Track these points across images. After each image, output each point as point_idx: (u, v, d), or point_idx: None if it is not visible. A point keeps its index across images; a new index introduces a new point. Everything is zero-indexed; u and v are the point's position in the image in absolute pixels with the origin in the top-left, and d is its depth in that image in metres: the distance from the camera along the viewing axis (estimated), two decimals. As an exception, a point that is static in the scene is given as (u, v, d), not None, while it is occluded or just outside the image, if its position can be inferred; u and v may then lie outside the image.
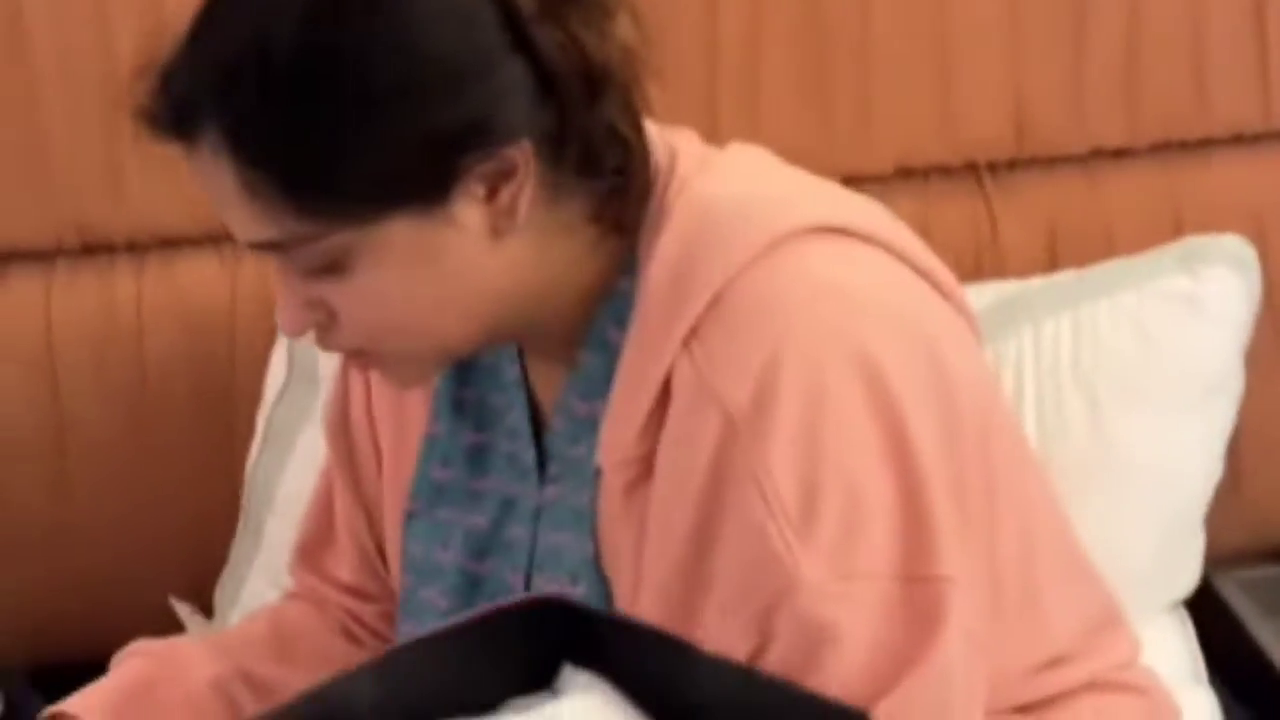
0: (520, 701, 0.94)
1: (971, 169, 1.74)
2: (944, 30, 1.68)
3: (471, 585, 1.17)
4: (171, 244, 1.71)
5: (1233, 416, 1.59)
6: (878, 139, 1.71)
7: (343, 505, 1.29)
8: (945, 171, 1.73)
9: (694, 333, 1.00)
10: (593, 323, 1.09)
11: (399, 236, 1.00)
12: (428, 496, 1.19)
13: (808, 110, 1.69)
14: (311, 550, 1.33)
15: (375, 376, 1.22)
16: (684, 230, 1.03)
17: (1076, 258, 1.70)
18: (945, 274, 1.10)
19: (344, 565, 1.31)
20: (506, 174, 1.01)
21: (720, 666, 0.95)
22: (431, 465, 1.20)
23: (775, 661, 0.97)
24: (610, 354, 1.07)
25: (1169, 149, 1.75)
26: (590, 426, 1.08)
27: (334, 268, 1.01)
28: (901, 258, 1.07)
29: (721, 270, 1.00)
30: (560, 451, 1.12)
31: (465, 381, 1.19)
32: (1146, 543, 1.53)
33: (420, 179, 0.99)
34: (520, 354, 1.17)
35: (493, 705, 0.95)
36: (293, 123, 0.97)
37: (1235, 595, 1.71)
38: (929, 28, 1.68)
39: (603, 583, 1.06)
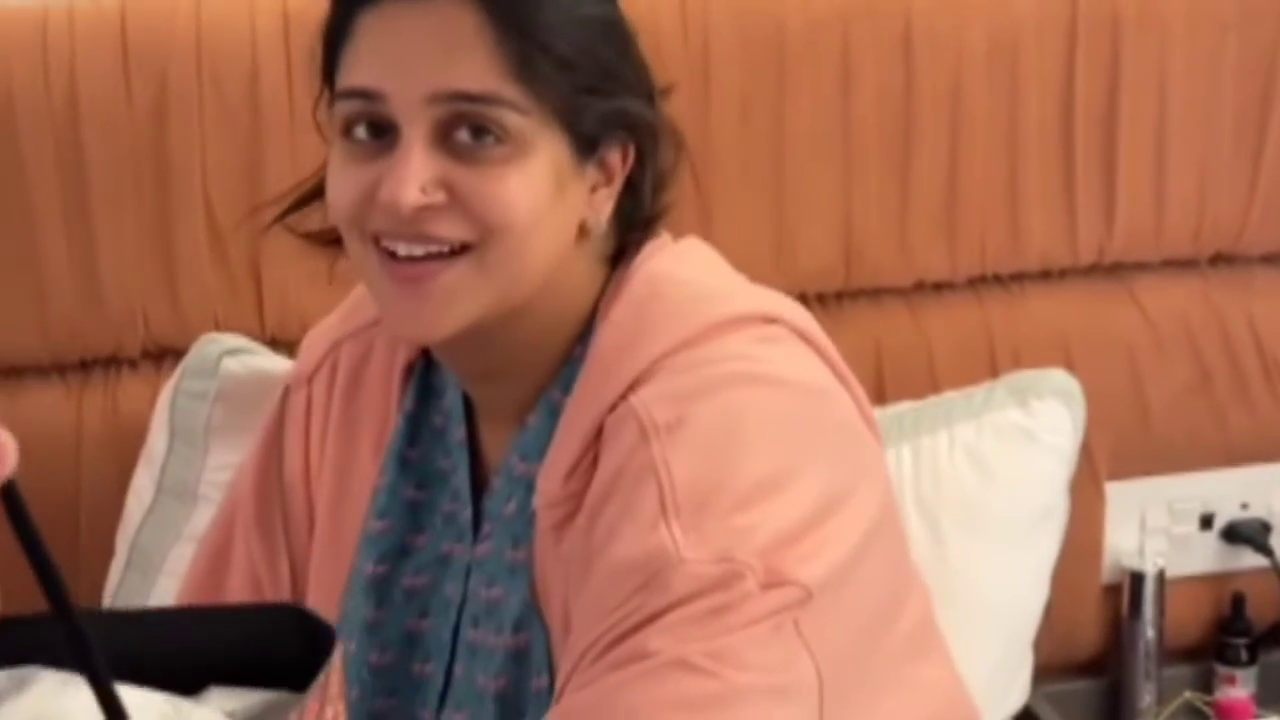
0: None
1: (802, 299, 1.81)
2: (780, 169, 1.75)
3: (410, 642, 1.20)
4: (16, 372, 1.68)
5: (1059, 542, 1.68)
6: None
7: (250, 559, 1.28)
8: (779, 302, 1.80)
9: (632, 388, 1.07)
10: (546, 388, 1.15)
11: (557, 156, 1.08)
12: (366, 551, 1.22)
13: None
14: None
15: (324, 433, 1.26)
16: (637, 301, 1.12)
17: (901, 382, 1.78)
18: (854, 380, 1.19)
19: None
20: (605, 181, 1.13)
21: (159, 614, 0.88)
22: (370, 519, 1.22)
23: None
24: (553, 417, 1.13)
25: (985, 282, 1.85)
26: (524, 485, 1.13)
27: (496, 150, 1.06)
28: (823, 356, 1.16)
29: (665, 342, 1.08)
30: (494, 511, 1.17)
31: (413, 442, 1.23)
32: (984, 664, 1.60)
33: (589, 117, 1.10)
34: (468, 418, 1.21)
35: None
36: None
37: (1044, 709, 1.80)
38: (767, 167, 1.75)
39: (544, 630, 1.10)
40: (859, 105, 1.74)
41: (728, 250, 1.77)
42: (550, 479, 1.09)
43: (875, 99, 1.75)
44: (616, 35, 1.13)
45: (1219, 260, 1.90)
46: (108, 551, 1.63)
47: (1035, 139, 1.79)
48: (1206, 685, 1.91)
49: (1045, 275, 1.86)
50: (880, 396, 1.76)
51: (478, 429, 1.21)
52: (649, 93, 1.16)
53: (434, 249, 1.07)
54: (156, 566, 1.58)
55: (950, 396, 1.69)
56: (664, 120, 1.17)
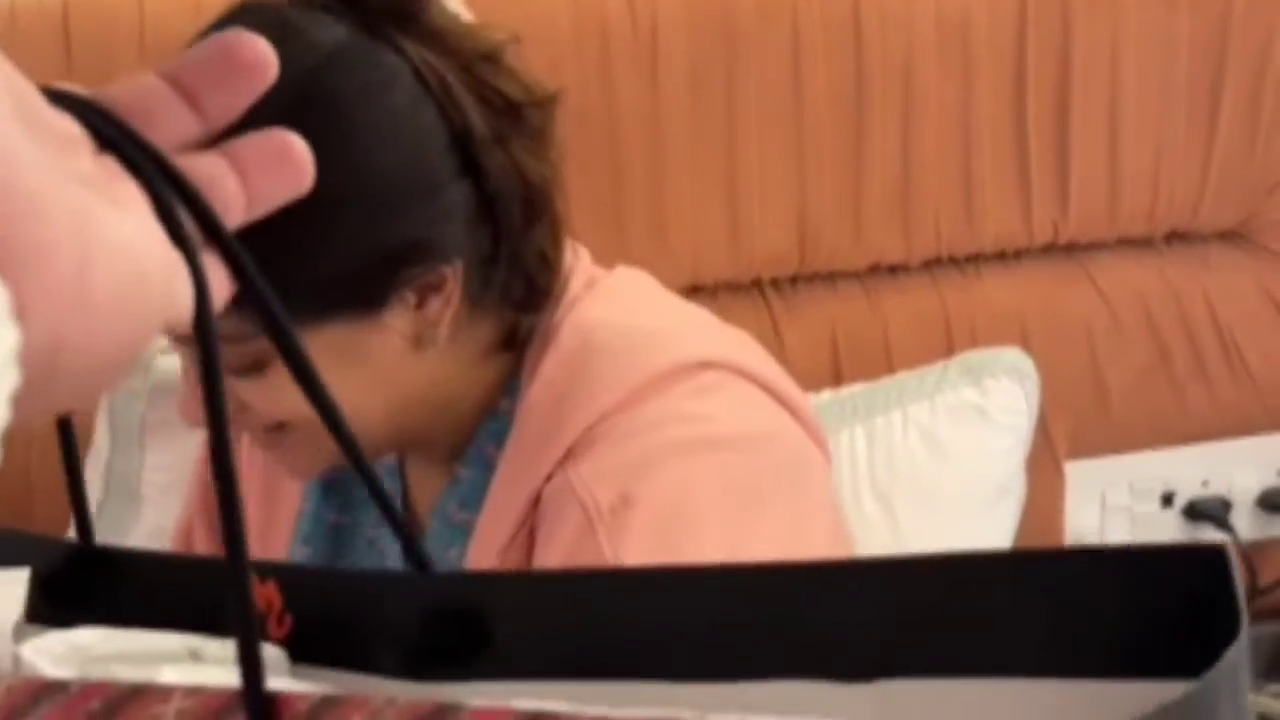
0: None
1: (757, 284, 1.81)
2: (733, 154, 1.74)
3: None
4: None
5: (1017, 521, 1.68)
6: (671, 257, 1.76)
7: None
8: (733, 288, 1.80)
9: (569, 454, 1.04)
10: (474, 439, 1.11)
11: (329, 341, 1.01)
12: None
13: (603, 229, 1.74)
14: None
15: (260, 458, 1.22)
16: (567, 355, 1.07)
17: (857, 366, 1.77)
18: (799, 397, 1.16)
19: None
20: (437, 286, 1.03)
21: None
22: (295, 543, 1.20)
23: None
24: (487, 470, 1.10)
25: (940, 264, 1.84)
26: (464, 534, 1.11)
27: (256, 366, 1.01)
28: (765, 388, 1.11)
29: (599, 404, 1.04)
30: (433, 554, 1.14)
31: None
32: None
33: (362, 288, 1.00)
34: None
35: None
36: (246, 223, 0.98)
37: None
38: (720, 152, 1.74)
39: None
40: (810, 88, 1.74)
41: (683, 236, 1.78)
42: (485, 549, 1.07)
43: (826, 82, 1.74)
44: (390, 191, 1.00)
45: (1174, 238, 1.90)
46: (62, 549, 1.62)
47: (988, 120, 1.79)
48: (1170, 663, 1.90)
49: (1000, 256, 1.85)
50: (836, 381, 1.76)
51: (404, 461, 1.19)
52: (471, 186, 1.03)
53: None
54: (125, 531, 1.58)
55: (903, 377, 1.68)
56: (508, 197, 1.05)
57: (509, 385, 1.11)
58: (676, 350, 1.09)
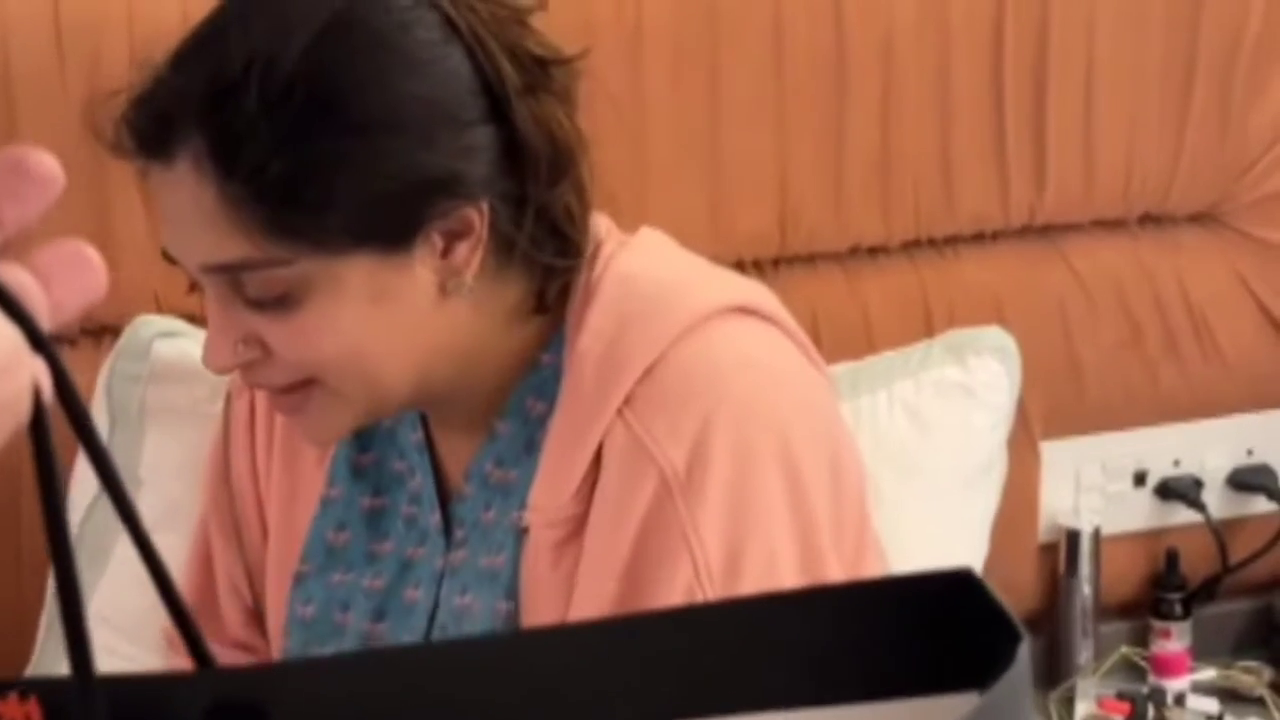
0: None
1: (738, 266, 1.82)
2: (714, 136, 1.75)
3: (368, 646, 1.18)
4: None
5: (999, 497, 1.70)
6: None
7: (223, 562, 1.27)
8: (716, 269, 1.81)
9: (628, 401, 1.05)
10: (512, 394, 1.12)
11: (357, 275, 1.02)
12: (320, 559, 1.20)
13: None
14: (196, 607, 1.30)
15: (269, 434, 1.23)
16: (612, 304, 1.09)
17: (837, 346, 1.79)
18: (814, 350, 1.19)
19: (232, 621, 1.30)
20: (463, 233, 1.04)
21: None
22: (325, 529, 1.20)
23: None
24: (529, 424, 1.11)
25: (919, 246, 1.86)
26: (503, 492, 1.12)
27: (284, 300, 1.01)
28: (788, 334, 1.15)
29: (653, 343, 1.06)
30: (468, 516, 1.15)
31: (365, 447, 1.21)
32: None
33: (391, 219, 1.02)
34: (424, 421, 1.18)
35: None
36: (286, 141, 0.99)
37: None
38: (701, 134, 1.75)
39: None
40: (791, 70, 1.75)
41: (664, 217, 1.77)
42: (550, 498, 1.08)
43: (807, 64, 1.76)
44: (420, 119, 1.03)
45: (1147, 220, 1.93)
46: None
47: (966, 103, 1.81)
48: (1143, 640, 1.93)
49: (978, 238, 1.88)
50: (818, 361, 1.78)
51: (431, 433, 1.19)
52: (502, 126, 1.05)
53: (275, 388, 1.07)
54: (106, 552, 1.55)
55: (888, 356, 1.70)
56: (532, 141, 1.06)
57: (549, 342, 1.13)
58: (717, 296, 1.12)
